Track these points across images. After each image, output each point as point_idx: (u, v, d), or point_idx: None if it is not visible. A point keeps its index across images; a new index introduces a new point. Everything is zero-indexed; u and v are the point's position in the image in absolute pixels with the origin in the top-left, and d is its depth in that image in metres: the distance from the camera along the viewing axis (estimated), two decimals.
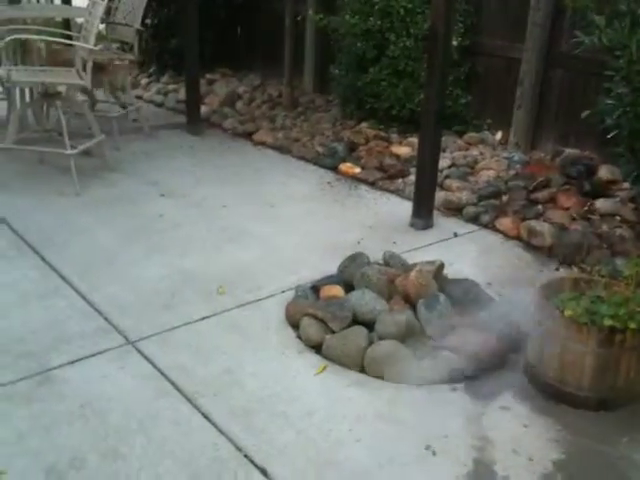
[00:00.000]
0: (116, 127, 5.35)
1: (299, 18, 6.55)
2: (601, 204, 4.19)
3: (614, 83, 3.64)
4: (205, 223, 4.08)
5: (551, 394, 2.60)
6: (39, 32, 4.94)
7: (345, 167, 5.07)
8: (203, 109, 6.19)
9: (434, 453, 2.30)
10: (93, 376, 2.62)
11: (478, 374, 2.68)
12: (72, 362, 2.69)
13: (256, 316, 3.09)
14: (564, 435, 2.42)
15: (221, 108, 6.45)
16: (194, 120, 5.92)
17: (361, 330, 2.83)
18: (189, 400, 2.51)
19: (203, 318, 3.06)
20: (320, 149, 5.38)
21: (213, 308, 3.13)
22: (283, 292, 3.26)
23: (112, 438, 2.30)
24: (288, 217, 4.23)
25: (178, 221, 4.09)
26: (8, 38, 4.53)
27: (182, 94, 6.52)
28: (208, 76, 7.27)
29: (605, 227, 3.94)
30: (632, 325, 2.47)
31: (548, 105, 5.19)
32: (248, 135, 5.82)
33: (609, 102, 3.64)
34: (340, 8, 5.94)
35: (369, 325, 2.89)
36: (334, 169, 5.10)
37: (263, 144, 5.65)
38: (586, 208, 4.17)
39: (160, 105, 6.86)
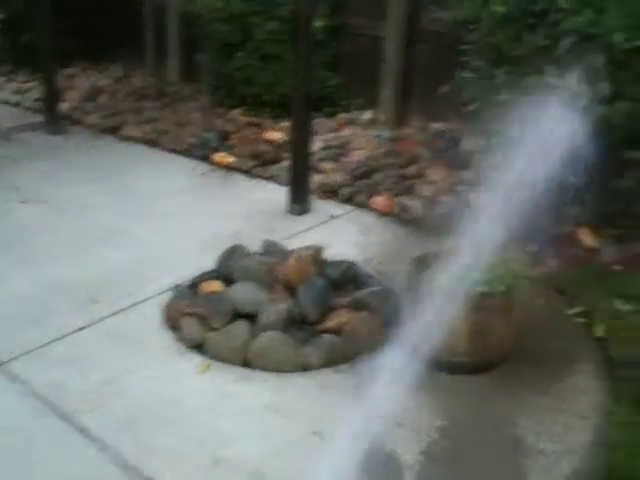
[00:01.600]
0: None
1: (160, 3, 6.34)
2: (467, 175, 4.37)
3: (469, 56, 3.77)
4: (74, 227, 3.90)
5: (433, 363, 2.69)
6: None
7: (218, 157, 4.99)
8: (63, 106, 5.88)
9: (322, 438, 2.33)
10: None
11: (360, 354, 2.74)
12: None
13: (134, 322, 2.99)
14: (445, 402, 2.52)
15: (83, 104, 6.15)
16: (54, 119, 5.61)
17: (243, 324, 2.80)
18: (68, 418, 2.40)
19: (78, 329, 2.92)
20: (191, 140, 5.26)
21: (88, 318, 3.00)
22: (161, 293, 3.17)
23: None
24: (162, 213, 4.12)
25: (44, 228, 3.88)
26: None
27: (39, 92, 6.16)
28: (67, 71, 6.90)
29: (472, 196, 4.12)
30: (501, 288, 2.61)
31: (412, 82, 5.33)
32: (114, 130, 5.59)
33: (466, 75, 3.77)
34: None
35: (253, 317, 2.88)
36: (207, 159, 5.00)
37: (131, 138, 5.44)
38: (454, 180, 4.34)
39: (16, 105, 6.44)
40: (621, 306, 3.01)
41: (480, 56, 3.64)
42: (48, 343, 2.82)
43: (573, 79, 2.97)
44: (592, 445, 2.32)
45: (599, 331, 2.89)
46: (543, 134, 3.23)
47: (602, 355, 2.78)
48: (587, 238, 3.52)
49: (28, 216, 4.03)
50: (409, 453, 2.28)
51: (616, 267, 3.34)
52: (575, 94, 2.94)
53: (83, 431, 2.33)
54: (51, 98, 5.60)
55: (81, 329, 2.93)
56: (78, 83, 6.68)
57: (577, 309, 3.04)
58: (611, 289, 3.14)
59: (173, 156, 5.14)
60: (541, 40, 3.12)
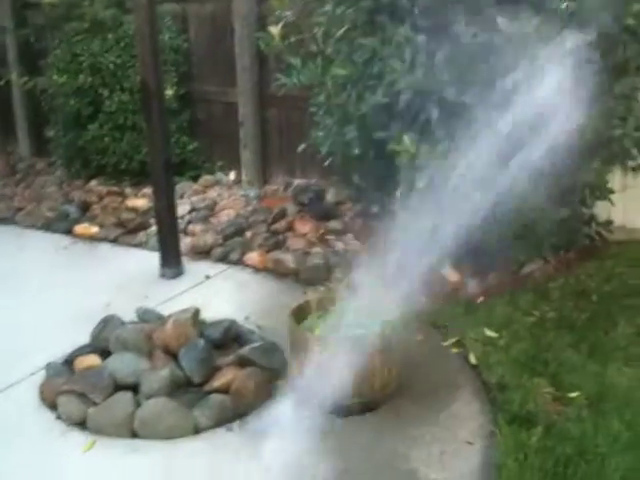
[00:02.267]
0: None
1: (2, 82, 6.13)
2: (333, 225, 4.54)
3: (320, 116, 3.97)
4: None
5: (320, 409, 2.72)
6: None
7: (80, 228, 4.83)
8: None
9: None
10: None
11: (249, 409, 2.72)
12: None
13: (7, 407, 2.79)
14: (339, 445, 2.55)
15: None
16: None
17: (125, 395, 2.70)
18: None
19: None
20: (50, 214, 5.06)
21: None
22: (33, 374, 2.99)
23: None
24: (29, 290, 3.91)
25: None
26: None
27: None
28: None
29: (341, 245, 4.28)
30: (378, 329, 2.71)
31: (271, 142, 5.50)
32: None
33: (319, 134, 3.96)
34: (47, 67, 5.70)
35: (134, 388, 2.78)
36: (69, 232, 4.83)
37: None
38: (322, 231, 4.49)
39: None
40: (489, 333, 3.22)
41: (329, 116, 3.85)
42: None
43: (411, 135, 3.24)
44: (481, 468, 2.43)
45: (472, 359, 3.06)
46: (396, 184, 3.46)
47: (478, 381, 2.94)
48: (451, 275, 3.75)
49: None
50: None
51: (479, 298, 3.58)
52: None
53: None
54: None
55: None
56: None
57: (451, 340, 3.21)
58: (478, 318, 3.36)
59: (32, 232, 4.91)
60: (381, 98, 3.37)
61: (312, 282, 3.92)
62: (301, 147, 4.09)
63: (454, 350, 3.16)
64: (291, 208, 4.80)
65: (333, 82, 3.60)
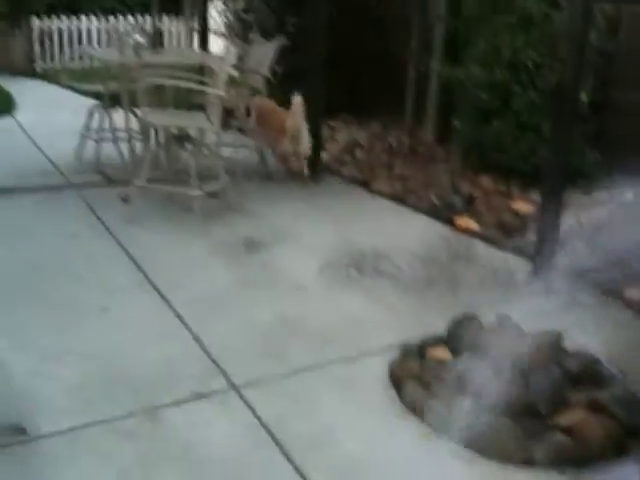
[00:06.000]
0: (240, 170, 5.56)
1: (423, 69, 6.57)
2: None
3: None
4: (320, 270, 4.10)
5: None
6: (174, 76, 5.22)
7: (461, 221, 4.96)
8: (324, 155, 6.30)
9: None
10: (197, 419, 2.67)
11: (589, 460, 2.49)
12: (179, 403, 2.76)
13: (360, 373, 3.04)
14: None
15: (341, 155, 6.54)
16: (315, 166, 6.03)
17: (468, 399, 2.70)
18: (284, 454, 2.49)
19: (306, 369, 3.05)
20: (436, 201, 5.31)
21: (317, 361, 3.12)
22: (388, 349, 3.20)
23: None
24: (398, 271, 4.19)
25: (289, 266, 4.14)
26: (145, 82, 4.84)
27: None
28: (330, 123, 7.41)
29: None
30: None
31: None
32: (365, 183, 5.85)
33: None
34: (466, 59, 5.90)
35: (478, 394, 2.76)
36: (449, 222, 5.01)
37: (379, 193, 5.65)
38: None
39: None
40: None
41: None
42: (278, 377, 2.99)
43: None
44: None
45: None
46: None
47: None
48: None
49: (279, 253, 4.34)
50: None
51: None
52: None
53: (297, 470, 2.41)
54: (315, 147, 6.03)
55: (308, 370, 3.05)
56: (339, 136, 7.14)
57: None
58: None
59: (416, 214, 5.21)
60: None
61: None
62: None
63: None
64: None
65: None
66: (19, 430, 2.50)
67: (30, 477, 2.32)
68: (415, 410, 2.76)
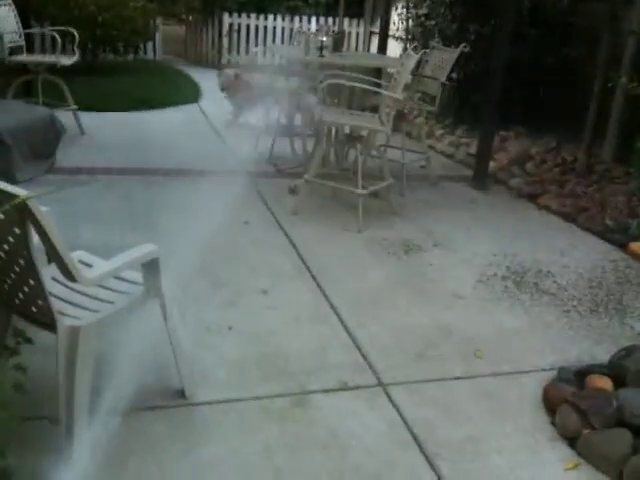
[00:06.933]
0: (405, 173, 5.59)
1: (610, 84, 6.20)
2: None
3: None
4: (471, 279, 4.04)
5: None
6: (352, 78, 5.35)
7: (635, 246, 4.64)
8: (491, 165, 6.16)
9: None
10: (343, 409, 2.74)
11: None
12: (327, 391, 2.84)
13: (511, 389, 2.96)
14: None
15: (509, 166, 6.36)
16: (480, 175, 5.92)
17: (626, 434, 2.54)
18: (427, 458, 2.49)
19: (456, 378, 3.02)
20: (610, 223, 5.01)
21: (467, 370, 3.08)
22: (544, 370, 3.08)
23: (348, 476, 2.37)
24: (561, 291, 4.00)
25: (446, 274, 4.11)
26: (326, 82, 5.02)
27: (473, 148, 6.57)
28: (502, 133, 7.23)
29: None
30: None
31: None
32: (532, 197, 5.65)
33: None
34: None
35: (637, 430, 2.59)
36: (622, 247, 4.70)
37: (547, 209, 5.43)
38: None
39: (450, 157, 6.99)
40: None
41: None
42: (426, 381, 2.98)
43: None
44: None
45: None
46: None
47: None
48: None
49: (435, 259, 4.32)
50: None
51: None
52: None
53: (439, 477, 2.39)
54: (483, 156, 5.92)
55: (458, 378, 3.02)
56: (509, 146, 6.94)
57: None
58: None
59: (586, 235, 4.96)
60: None
61: None
62: None
63: None
64: None
65: None
66: (179, 395, 2.70)
67: (181, 439, 2.49)
68: (567, 437, 2.64)
